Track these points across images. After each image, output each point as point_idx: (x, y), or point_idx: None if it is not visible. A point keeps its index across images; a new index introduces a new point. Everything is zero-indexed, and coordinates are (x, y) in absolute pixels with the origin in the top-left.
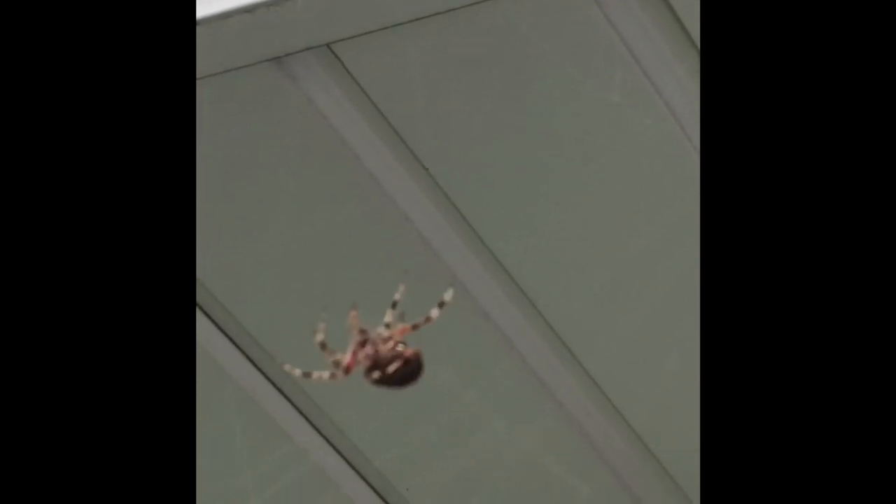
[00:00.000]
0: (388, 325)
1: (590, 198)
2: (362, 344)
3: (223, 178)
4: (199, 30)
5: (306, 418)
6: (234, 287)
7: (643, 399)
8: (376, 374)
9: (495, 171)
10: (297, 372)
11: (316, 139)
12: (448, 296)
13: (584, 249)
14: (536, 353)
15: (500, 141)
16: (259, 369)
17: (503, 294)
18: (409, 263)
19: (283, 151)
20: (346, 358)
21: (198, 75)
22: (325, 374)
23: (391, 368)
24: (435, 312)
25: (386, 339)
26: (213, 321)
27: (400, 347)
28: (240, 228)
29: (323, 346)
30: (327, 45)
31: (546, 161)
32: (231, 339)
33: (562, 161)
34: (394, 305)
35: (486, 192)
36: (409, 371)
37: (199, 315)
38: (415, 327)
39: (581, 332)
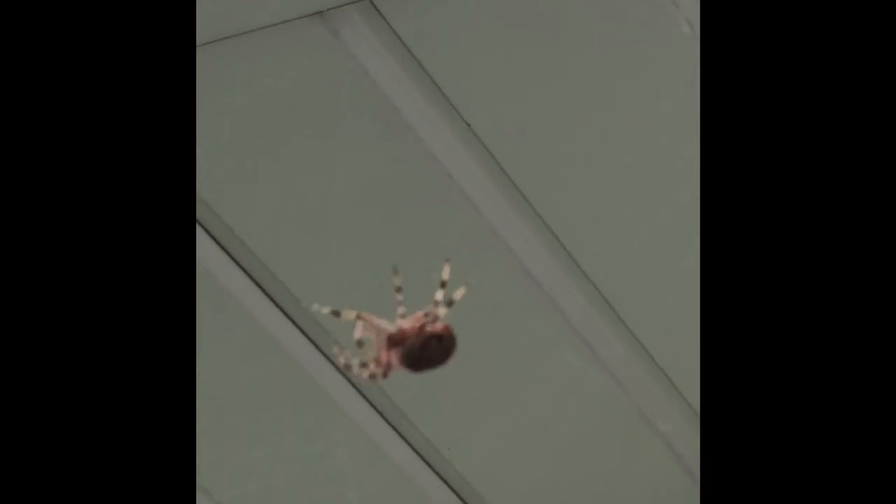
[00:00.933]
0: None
1: (625, 154)
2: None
3: (264, 134)
4: None
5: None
6: (273, 246)
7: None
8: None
9: (536, 127)
10: (342, 361)
11: (357, 94)
12: (459, 294)
13: (625, 206)
14: (578, 310)
15: (541, 95)
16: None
17: (545, 251)
18: (449, 220)
19: (325, 106)
20: (380, 361)
21: (241, 31)
22: (365, 374)
23: (426, 354)
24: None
25: (409, 330)
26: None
27: (428, 328)
28: (281, 185)
29: (347, 367)
30: (370, 0)
31: (586, 116)
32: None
33: (601, 116)
34: (398, 289)
35: (528, 148)
36: (444, 347)
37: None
38: (426, 315)
39: (622, 293)
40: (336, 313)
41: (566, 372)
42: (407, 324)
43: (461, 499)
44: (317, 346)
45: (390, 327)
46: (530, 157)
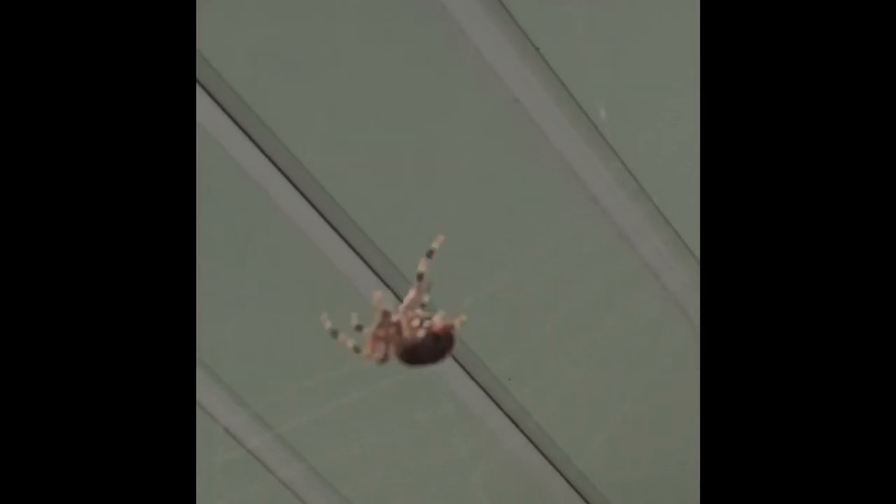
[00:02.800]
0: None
1: None
2: (386, 328)
3: (329, 66)
4: None
5: None
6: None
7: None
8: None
9: (607, 52)
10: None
11: (425, 17)
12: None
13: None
14: (647, 241)
15: (609, 18)
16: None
17: (613, 180)
18: (517, 146)
19: (391, 27)
20: (367, 348)
21: None
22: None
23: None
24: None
25: (410, 320)
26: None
27: (426, 323)
28: (345, 113)
29: (334, 333)
30: None
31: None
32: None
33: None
34: (419, 277)
35: (599, 75)
36: (440, 347)
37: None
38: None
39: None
40: (334, 334)
41: (642, 317)
42: (404, 319)
43: (524, 433)
44: (387, 285)
45: (393, 318)
46: (602, 83)
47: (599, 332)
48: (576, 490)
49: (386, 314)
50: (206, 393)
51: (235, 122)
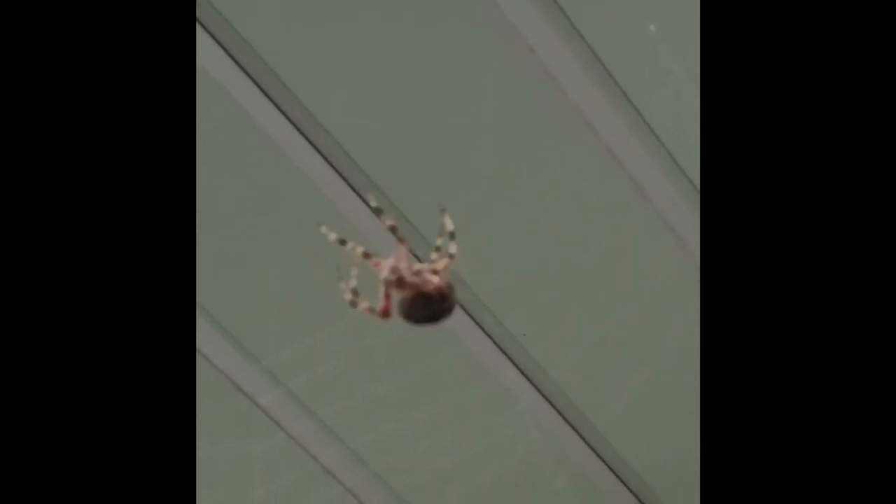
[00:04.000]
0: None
1: None
2: (394, 283)
3: (339, 13)
4: None
5: None
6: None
7: None
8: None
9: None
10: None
11: None
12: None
13: None
14: (663, 193)
15: None
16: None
17: (629, 131)
18: (532, 96)
19: None
20: (380, 303)
21: None
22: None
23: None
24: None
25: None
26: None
27: (429, 278)
28: (354, 61)
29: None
30: None
31: None
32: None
33: None
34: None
35: (616, 24)
36: (434, 307)
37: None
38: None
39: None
40: (342, 242)
41: (658, 270)
42: (405, 274)
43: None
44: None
45: (386, 272)
46: (617, 33)
47: (615, 286)
48: (595, 452)
49: (394, 269)
50: (211, 346)
51: (238, 64)
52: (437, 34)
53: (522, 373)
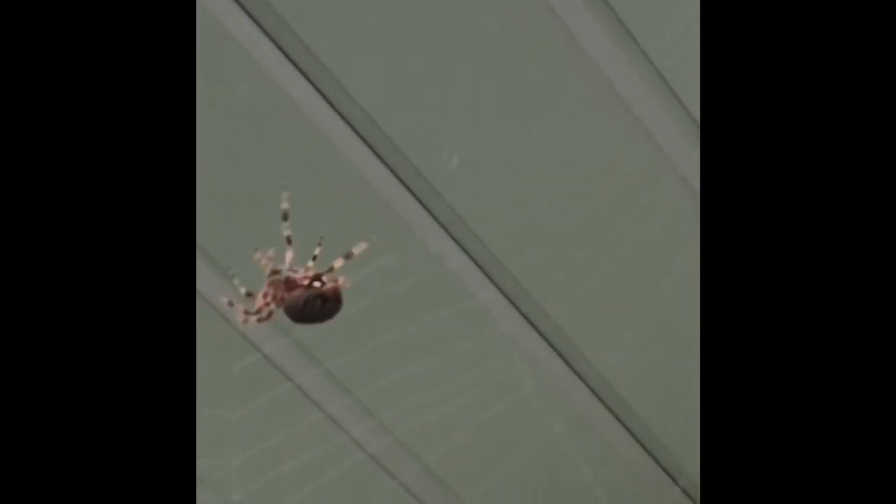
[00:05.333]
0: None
1: None
2: (274, 285)
3: None
4: None
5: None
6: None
7: None
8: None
9: None
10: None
11: None
12: (358, 249)
13: None
14: (674, 143)
15: None
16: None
17: (647, 87)
18: (533, 35)
19: None
20: (257, 303)
21: None
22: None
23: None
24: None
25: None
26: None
27: (316, 283)
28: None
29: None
30: None
31: None
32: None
33: None
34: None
35: None
36: (327, 308)
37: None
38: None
39: None
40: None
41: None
42: (298, 275)
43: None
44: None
45: (283, 275)
46: None
47: (617, 227)
48: (597, 396)
49: (275, 271)
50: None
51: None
52: None
53: (523, 315)
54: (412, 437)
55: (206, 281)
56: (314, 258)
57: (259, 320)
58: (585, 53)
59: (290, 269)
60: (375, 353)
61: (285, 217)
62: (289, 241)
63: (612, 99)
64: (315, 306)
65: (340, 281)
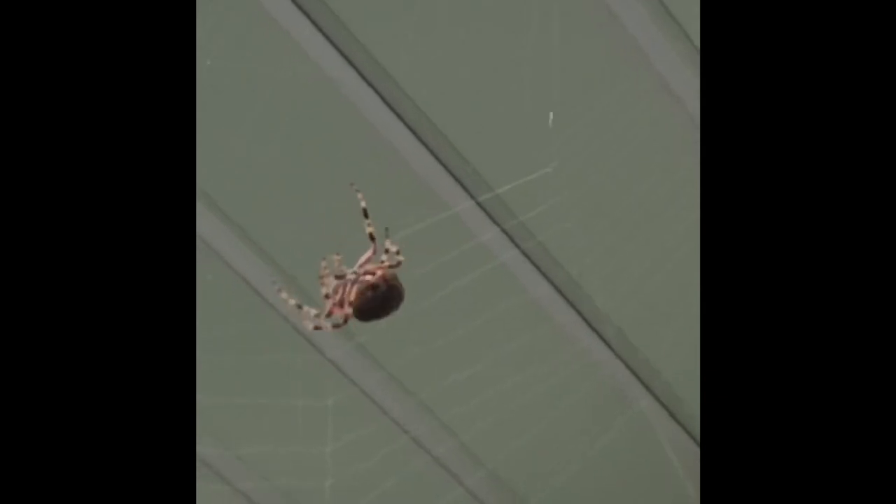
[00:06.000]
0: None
1: None
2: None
3: None
4: None
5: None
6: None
7: None
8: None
9: None
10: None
11: None
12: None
13: None
14: (692, 93)
15: None
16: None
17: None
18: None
19: None
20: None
21: None
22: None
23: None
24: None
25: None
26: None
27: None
28: None
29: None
30: None
31: None
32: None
33: None
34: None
35: None
36: (384, 296)
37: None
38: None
39: None
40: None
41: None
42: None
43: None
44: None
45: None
46: None
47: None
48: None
49: (338, 276)
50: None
51: None
52: None
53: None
54: (477, 439)
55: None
56: (386, 251)
57: (334, 326)
58: None
59: (351, 271)
60: (434, 356)
61: (366, 214)
62: (372, 237)
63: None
64: (370, 298)
65: (385, 265)
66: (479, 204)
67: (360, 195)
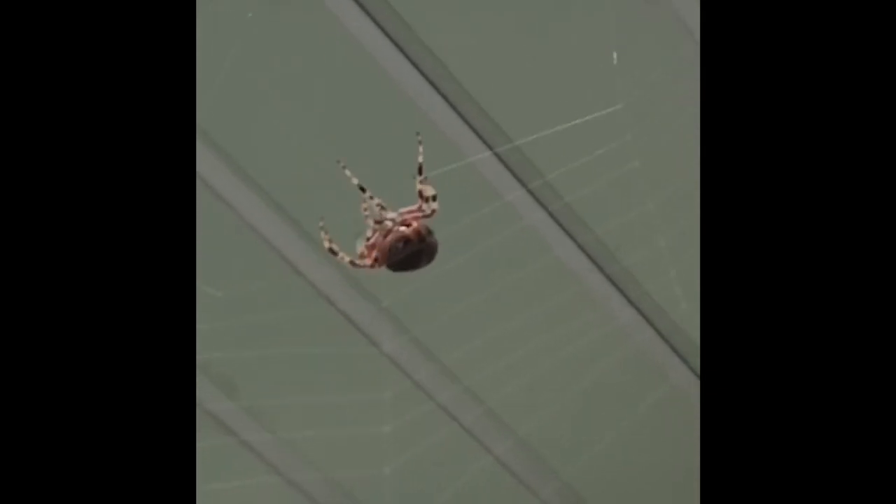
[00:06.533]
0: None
1: None
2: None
3: None
4: None
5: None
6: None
7: None
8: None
9: None
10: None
11: None
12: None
13: None
14: None
15: None
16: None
17: None
18: None
19: None
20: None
21: None
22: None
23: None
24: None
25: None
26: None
27: (402, 229)
28: None
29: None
30: None
31: None
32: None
33: None
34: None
35: None
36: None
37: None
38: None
39: None
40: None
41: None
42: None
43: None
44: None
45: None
46: None
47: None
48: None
49: (377, 221)
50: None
51: None
52: None
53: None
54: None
55: None
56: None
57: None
58: None
59: (389, 217)
60: (459, 321)
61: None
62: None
63: None
64: (401, 250)
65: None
66: (505, 164)
67: (420, 148)
